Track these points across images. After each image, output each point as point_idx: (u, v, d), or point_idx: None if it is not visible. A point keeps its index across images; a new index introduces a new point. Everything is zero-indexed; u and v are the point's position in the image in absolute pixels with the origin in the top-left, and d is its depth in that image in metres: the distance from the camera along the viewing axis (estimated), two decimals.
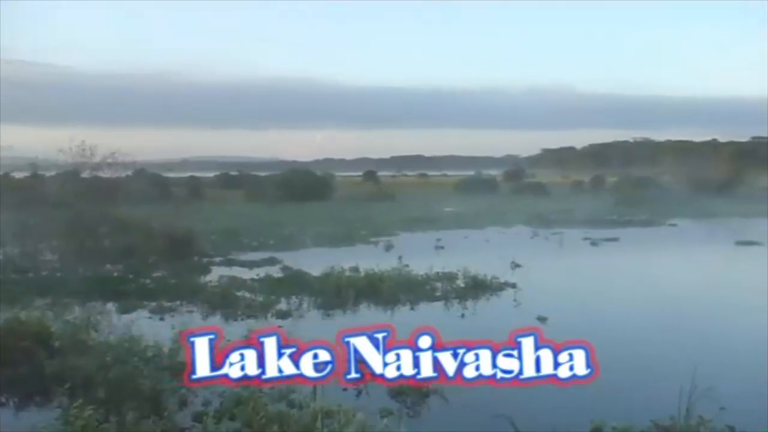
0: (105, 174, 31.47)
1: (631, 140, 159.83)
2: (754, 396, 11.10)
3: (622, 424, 9.54)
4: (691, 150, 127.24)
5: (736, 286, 22.92)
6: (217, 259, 27.24)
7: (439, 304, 18.76)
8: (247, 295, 19.52)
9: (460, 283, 20.83)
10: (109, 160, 31.22)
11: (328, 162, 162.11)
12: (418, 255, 26.06)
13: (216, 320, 16.62)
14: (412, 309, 18.28)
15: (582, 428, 9.47)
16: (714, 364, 12.15)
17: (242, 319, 16.54)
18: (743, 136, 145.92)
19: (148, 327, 14.63)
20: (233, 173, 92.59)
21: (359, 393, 11.28)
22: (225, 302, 18.41)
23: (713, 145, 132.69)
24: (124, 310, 17.83)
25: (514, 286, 20.75)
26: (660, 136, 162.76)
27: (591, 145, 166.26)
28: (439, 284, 20.79)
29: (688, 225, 46.48)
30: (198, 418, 9.55)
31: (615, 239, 35.20)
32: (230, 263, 26.36)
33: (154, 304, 18.61)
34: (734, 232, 39.72)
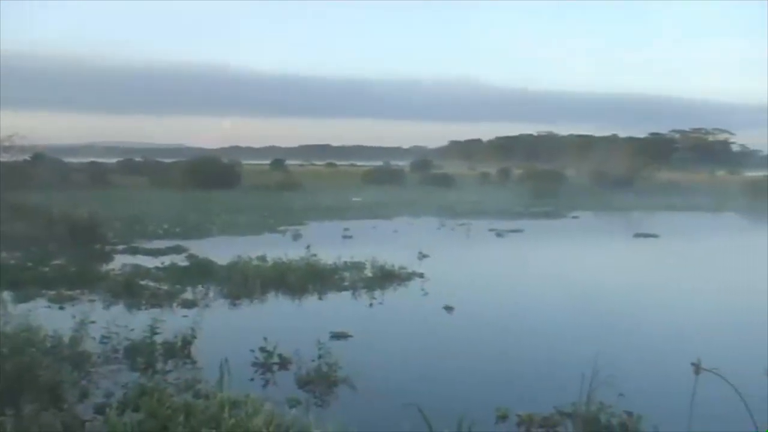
0: (1, 158, 30.21)
1: (536, 134, 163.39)
2: (654, 382, 11.49)
3: (527, 411, 9.70)
4: (593, 144, 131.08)
5: (635, 276, 23.71)
6: (120, 247, 26.52)
7: (348, 294, 18.74)
8: (152, 284, 19.05)
9: (368, 272, 20.86)
10: (6, 143, 29.98)
11: (236, 150, 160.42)
12: (327, 244, 25.99)
13: (119, 310, 16.17)
14: (320, 299, 18.21)
15: (488, 416, 9.59)
16: (614, 352, 12.49)
17: (146, 309, 16.14)
18: (642, 132, 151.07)
19: (47, 317, 14.13)
20: (138, 159, 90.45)
21: (266, 383, 11.19)
22: (128, 291, 17.91)
23: (613, 140, 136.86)
24: (21, 300, 17.16)
25: (421, 276, 20.90)
26: (563, 130, 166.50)
27: (497, 138, 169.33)
28: (347, 274, 20.76)
29: (589, 217, 47.89)
30: (100, 410, 9.27)
31: (520, 230, 35.89)
32: (134, 251, 25.68)
33: (53, 293, 17.97)
34: (633, 224, 41.13)
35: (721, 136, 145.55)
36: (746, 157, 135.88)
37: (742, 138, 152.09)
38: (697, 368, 9.83)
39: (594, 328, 15.50)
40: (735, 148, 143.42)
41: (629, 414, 9.55)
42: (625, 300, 19.07)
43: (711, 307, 18.31)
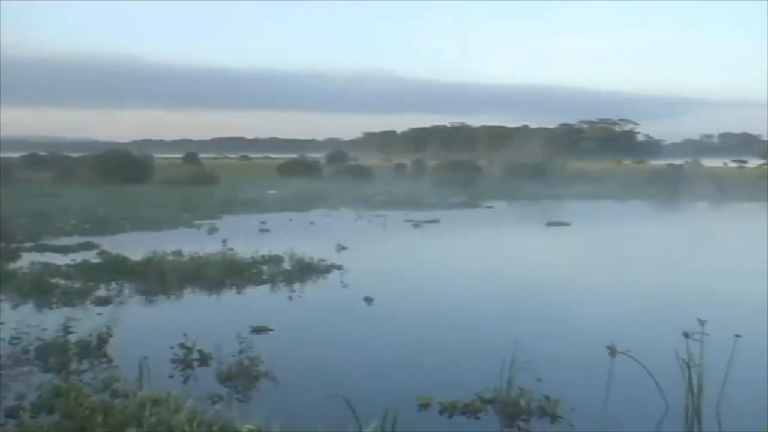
0: None
1: (449, 125, 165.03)
2: (571, 366, 11.78)
3: (449, 399, 9.81)
4: (505, 135, 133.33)
5: (550, 264, 24.25)
6: (28, 245, 25.63)
7: (266, 288, 18.60)
8: (63, 282, 18.50)
9: (287, 265, 20.75)
10: None
11: (147, 143, 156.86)
12: (243, 238, 25.74)
13: (29, 309, 15.65)
14: (238, 293, 18.01)
15: (411, 405, 9.66)
16: (532, 338, 12.74)
17: (58, 308, 15.67)
18: (552, 123, 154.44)
19: None
20: (43, 154, 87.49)
21: (187, 379, 11.02)
22: (38, 290, 17.34)
23: (525, 131, 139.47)
24: None
25: (340, 267, 20.89)
26: (476, 121, 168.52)
27: (411, 130, 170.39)
28: (265, 267, 20.59)
29: (503, 207, 48.72)
30: (12, 413, 8.95)
31: (436, 221, 36.23)
32: (42, 249, 24.85)
33: None
34: (545, 213, 42.03)
35: (627, 127, 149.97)
36: (651, 147, 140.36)
37: (647, 128, 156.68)
38: (611, 351, 10.15)
39: (512, 315, 15.78)
40: (640, 138, 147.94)
41: (547, 398, 9.77)
42: (540, 287, 19.45)
43: (623, 292, 18.86)
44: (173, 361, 11.64)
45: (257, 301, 17.18)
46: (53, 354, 11.71)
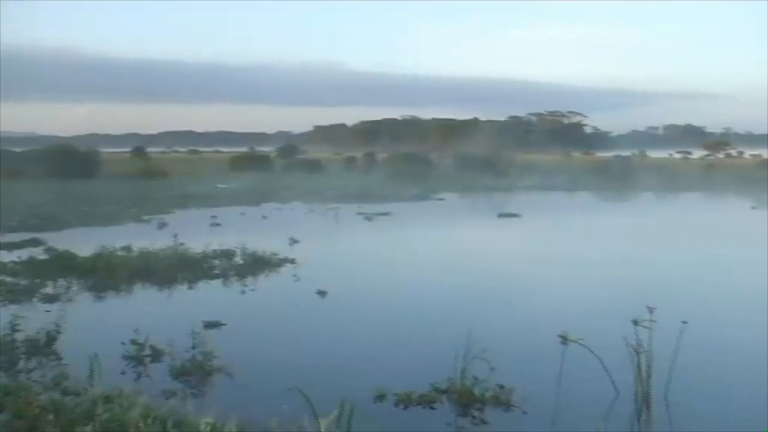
0: None
1: (400, 118, 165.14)
2: (524, 355, 11.92)
3: (404, 390, 9.86)
4: (455, 128, 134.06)
5: (502, 254, 24.49)
6: None
7: (218, 282, 18.47)
8: (9, 279, 18.13)
9: (239, 260, 20.62)
10: None
11: (93, 137, 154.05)
12: (194, 233, 25.48)
13: None
14: (190, 288, 17.84)
15: (367, 396, 9.69)
16: (486, 328, 12.85)
17: (4, 305, 15.35)
18: (501, 115, 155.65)
19: None
20: None
21: (139, 375, 10.90)
22: None
23: (475, 123, 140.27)
24: None
25: (293, 261, 20.83)
26: (426, 114, 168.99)
27: (362, 122, 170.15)
28: (217, 262, 20.43)
29: (455, 199, 48.99)
30: None
31: (388, 213, 36.30)
32: None
33: None
34: (496, 204, 42.41)
35: (575, 119, 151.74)
36: (598, 139, 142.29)
37: (595, 120, 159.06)
38: (563, 340, 10.30)
39: (466, 306, 15.88)
40: (588, 130, 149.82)
41: (501, 387, 9.87)
42: (493, 278, 19.63)
43: (573, 282, 19.12)
44: (125, 357, 11.50)
45: (210, 295, 17.04)
46: (0, 352, 11.47)
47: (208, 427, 7.40)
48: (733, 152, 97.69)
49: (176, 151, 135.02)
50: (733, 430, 9.15)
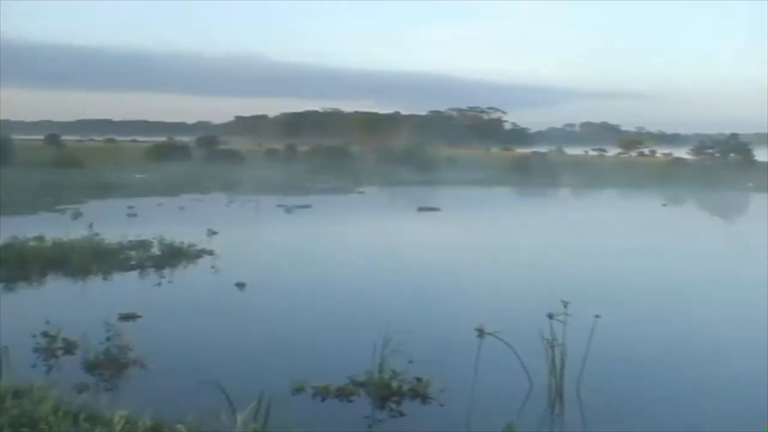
0: None
1: (322, 110, 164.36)
2: (442, 348, 12.07)
3: (323, 383, 9.88)
4: (377, 121, 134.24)
5: (419, 248, 24.71)
6: None
7: (134, 274, 18.15)
8: None
9: (156, 251, 20.28)
10: None
11: (5, 123, 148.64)
12: (110, 223, 24.89)
13: None
14: (105, 279, 17.47)
15: (285, 389, 9.68)
16: (404, 321, 12.96)
17: None
18: (422, 110, 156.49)
19: None
20: None
21: (50, 369, 10.63)
22: None
23: (396, 117, 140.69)
24: None
25: (211, 253, 20.62)
26: (348, 107, 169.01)
27: (283, 114, 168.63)
28: (133, 253, 20.06)
29: (375, 192, 49.17)
30: None
31: (308, 206, 36.20)
32: None
33: None
34: (416, 198, 42.73)
35: (495, 115, 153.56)
36: (517, 135, 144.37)
37: (514, 117, 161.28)
38: (480, 332, 10.46)
39: (385, 299, 16.00)
40: (507, 126, 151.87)
41: (419, 380, 9.99)
42: (412, 271, 19.81)
43: (491, 275, 19.45)
44: (36, 350, 11.19)
45: (125, 287, 16.74)
46: None
47: (122, 421, 7.27)
48: (646, 151, 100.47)
49: (92, 140, 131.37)
50: (646, 420, 9.42)
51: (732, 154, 71.43)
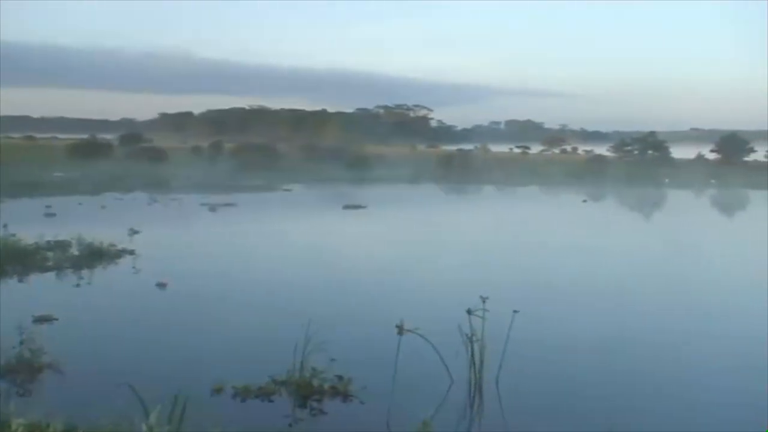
0: None
1: (248, 107, 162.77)
2: (364, 346, 12.12)
3: (243, 383, 9.82)
4: (304, 119, 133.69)
5: (343, 246, 24.75)
6: None
7: (52, 275, 17.71)
8: None
9: (75, 251, 19.83)
10: None
11: None
12: (27, 223, 24.24)
13: None
14: (20, 281, 17.02)
15: (205, 390, 9.59)
16: (327, 319, 12.96)
17: None
18: (349, 107, 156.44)
19: None
20: None
21: None
22: None
23: (323, 114, 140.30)
24: None
25: (132, 253, 20.27)
26: (275, 104, 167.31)
27: (209, 111, 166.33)
28: (50, 254, 19.57)
29: (301, 190, 49.01)
30: None
31: (233, 204, 35.88)
32: None
33: None
34: (342, 196, 42.72)
35: (421, 112, 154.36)
36: (443, 132, 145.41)
37: (440, 114, 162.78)
38: (400, 329, 10.54)
39: (308, 297, 15.92)
40: (433, 123, 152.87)
41: (340, 378, 10.02)
42: (336, 269, 19.84)
43: (414, 272, 19.59)
44: None
45: (41, 289, 16.35)
46: None
47: (20, 428, 7.08)
48: (569, 148, 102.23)
49: (9, 137, 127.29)
50: (563, 413, 9.63)
51: (650, 152, 73.38)
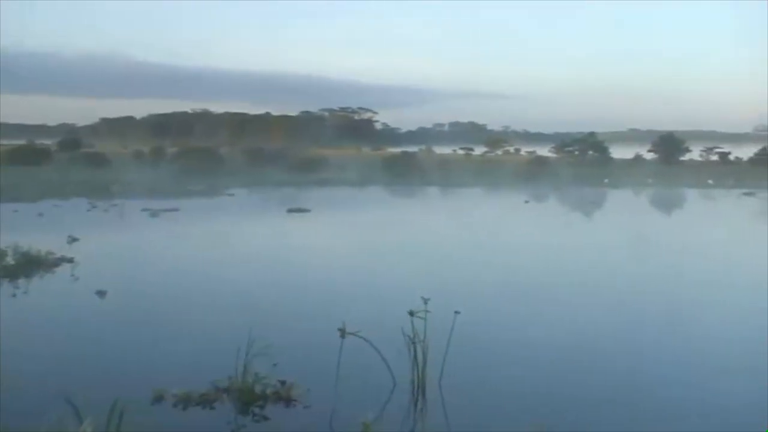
0: None
1: (191, 111, 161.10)
2: (308, 350, 12.08)
3: (183, 389, 9.71)
4: (247, 122, 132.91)
5: (286, 249, 24.64)
6: None
7: None
8: None
9: (10, 260, 19.35)
10: None
11: None
12: None
13: None
14: None
15: (144, 398, 9.46)
16: (269, 323, 12.94)
17: None
18: (293, 110, 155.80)
19: None
20: None
21: None
22: None
23: (267, 118, 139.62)
24: None
25: (71, 260, 19.89)
26: (218, 107, 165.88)
27: (151, 115, 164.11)
28: None
29: (245, 194, 48.69)
30: None
31: (175, 209, 35.44)
32: None
33: None
34: (287, 199, 42.57)
35: (366, 115, 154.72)
36: (388, 135, 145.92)
37: (385, 117, 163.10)
38: (342, 332, 10.55)
39: (249, 302, 15.77)
40: (378, 126, 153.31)
41: (282, 382, 9.98)
42: (279, 273, 19.76)
43: (358, 275, 19.62)
44: None
45: None
46: None
47: None
48: (511, 149, 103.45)
49: None
50: (505, 413, 9.73)
51: (590, 152, 74.73)
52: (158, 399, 9.60)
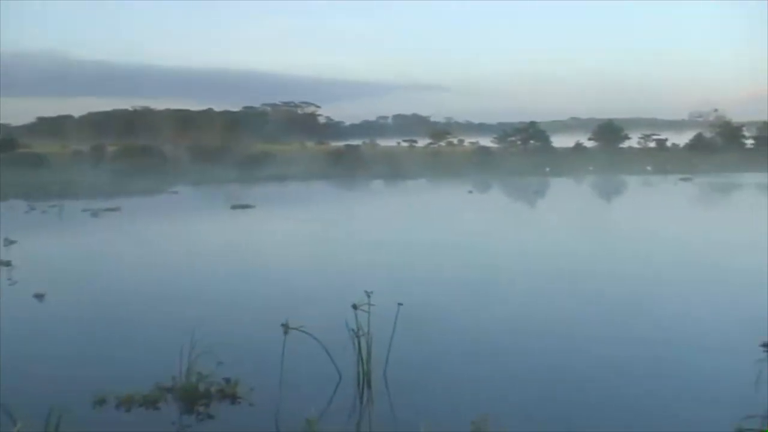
0: None
1: (131, 109, 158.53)
2: (253, 347, 12.03)
3: (126, 391, 9.59)
4: (190, 119, 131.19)
5: (228, 246, 24.43)
6: None
7: None
8: None
9: None
10: None
11: None
12: None
13: None
14: None
15: (86, 401, 9.32)
16: (213, 322, 12.85)
17: None
18: (236, 106, 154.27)
19: None
20: None
21: None
22: None
23: (210, 114, 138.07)
24: None
25: (8, 264, 19.46)
26: (159, 105, 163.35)
27: (90, 114, 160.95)
28: None
29: (188, 191, 48.20)
30: None
31: (117, 209, 34.90)
32: None
33: None
34: (230, 196, 42.25)
35: (309, 109, 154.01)
36: (331, 129, 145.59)
37: (328, 111, 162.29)
38: (285, 327, 10.52)
39: (194, 300, 15.63)
40: (322, 120, 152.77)
41: (227, 380, 9.92)
42: (222, 270, 19.61)
43: (302, 270, 19.54)
44: None
45: None
46: None
47: None
48: (455, 140, 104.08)
49: None
50: (450, 404, 9.80)
51: (532, 141, 75.63)
52: (100, 402, 9.45)
